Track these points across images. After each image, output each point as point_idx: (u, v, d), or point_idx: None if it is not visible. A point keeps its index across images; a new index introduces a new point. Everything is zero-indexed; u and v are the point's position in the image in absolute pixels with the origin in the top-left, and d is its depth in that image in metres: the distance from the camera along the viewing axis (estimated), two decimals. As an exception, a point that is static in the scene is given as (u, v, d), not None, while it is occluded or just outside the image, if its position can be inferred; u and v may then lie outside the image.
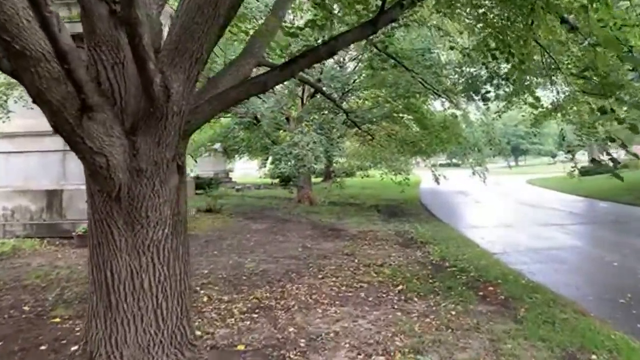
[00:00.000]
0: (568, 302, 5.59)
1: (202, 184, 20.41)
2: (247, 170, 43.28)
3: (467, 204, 19.59)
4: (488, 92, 12.53)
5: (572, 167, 7.17)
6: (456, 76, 14.14)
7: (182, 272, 3.46)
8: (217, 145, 26.94)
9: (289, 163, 12.01)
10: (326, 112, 14.69)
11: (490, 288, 6.21)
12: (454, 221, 13.81)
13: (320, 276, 6.77)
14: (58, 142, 9.27)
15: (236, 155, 27.30)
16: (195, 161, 32.50)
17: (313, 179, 31.71)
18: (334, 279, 6.62)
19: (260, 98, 15.59)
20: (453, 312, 5.12)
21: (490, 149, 13.31)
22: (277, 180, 29.05)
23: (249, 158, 29.68)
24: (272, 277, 6.62)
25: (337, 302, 5.51)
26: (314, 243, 9.51)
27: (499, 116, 16.21)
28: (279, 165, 12.44)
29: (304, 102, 16.21)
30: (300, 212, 14.65)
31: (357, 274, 6.95)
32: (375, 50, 8.25)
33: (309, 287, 6.16)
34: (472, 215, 16.19)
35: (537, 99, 7.43)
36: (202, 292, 5.75)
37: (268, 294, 5.77)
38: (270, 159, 16.04)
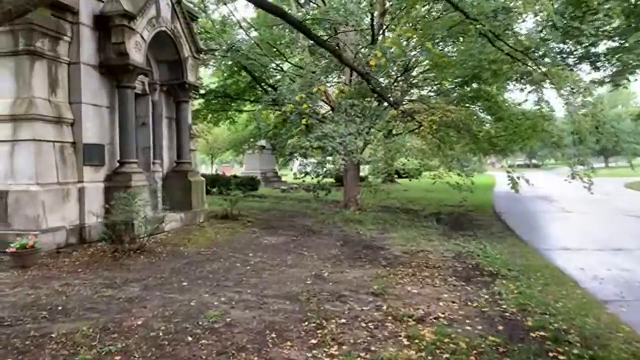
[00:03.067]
0: None
1: (241, 183, 18.46)
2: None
3: (553, 213, 15.80)
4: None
5: None
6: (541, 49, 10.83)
7: None
8: (263, 142, 24.95)
9: (316, 159, 9.44)
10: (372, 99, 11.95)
11: (618, 395, 3.29)
12: (536, 238, 10.54)
13: (314, 341, 4.17)
14: (6, 129, 7.31)
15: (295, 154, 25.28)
16: (242, 154, 30.86)
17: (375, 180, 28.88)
18: (334, 348, 4.01)
19: (293, 81, 13.19)
20: None
21: (597, 141, 9.37)
22: (333, 180, 26.61)
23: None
24: (233, 341, 4.09)
25: (312, 421, 2.90)
26: (334, 270, 6.87)
27: (616, 86, 12.57)
28: (303, 162, 9.94)
29: (351, 85, 13.54)
30: (338, 220, 12.01)
31: (377, 337, 4.28)
32: None
33: (282, 369, 3.58)
34: (562, 231, 12.48)
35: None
36: (84, 377, 3.36)
37: (198, 387, 3.26)
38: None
